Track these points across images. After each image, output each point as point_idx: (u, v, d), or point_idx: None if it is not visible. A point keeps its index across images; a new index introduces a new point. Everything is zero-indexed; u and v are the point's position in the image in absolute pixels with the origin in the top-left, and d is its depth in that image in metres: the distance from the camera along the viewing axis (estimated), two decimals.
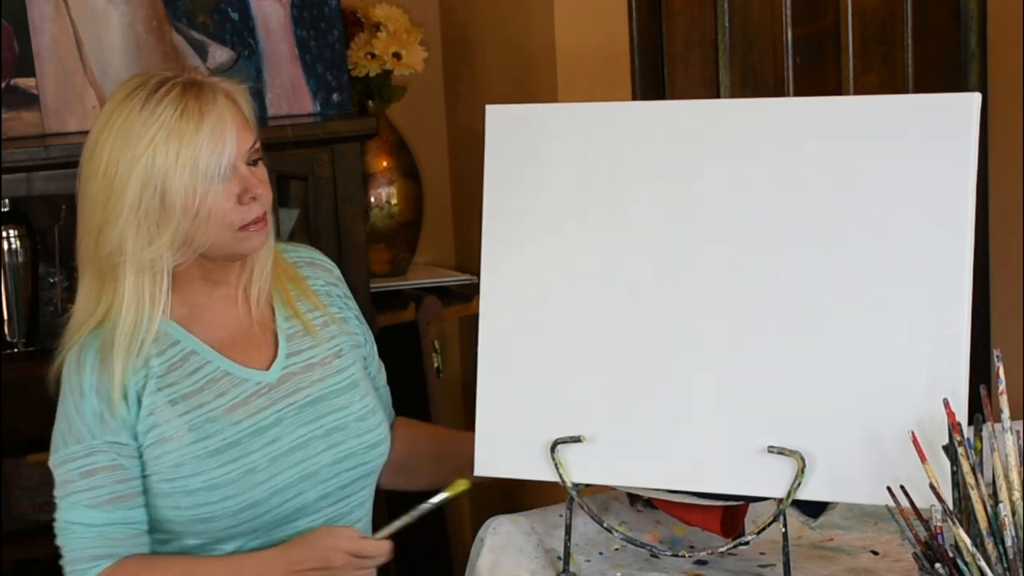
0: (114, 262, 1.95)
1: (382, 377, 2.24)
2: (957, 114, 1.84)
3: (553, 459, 1.99)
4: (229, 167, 1.92)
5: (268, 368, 2.03)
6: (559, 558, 2.04)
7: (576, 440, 1.98)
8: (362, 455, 2.06)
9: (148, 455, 1.97)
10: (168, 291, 1.96)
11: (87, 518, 1.95)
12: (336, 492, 2.05)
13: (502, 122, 2.05)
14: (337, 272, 2.19)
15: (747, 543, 1.95)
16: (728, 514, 2.02)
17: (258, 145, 1.97)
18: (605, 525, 2.00)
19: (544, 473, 2.00)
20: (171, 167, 1.90)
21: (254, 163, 1.97)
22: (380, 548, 1.96)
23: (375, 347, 2.22)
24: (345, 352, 2.11)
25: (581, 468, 1.98)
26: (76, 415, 1.96)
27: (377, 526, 2.08)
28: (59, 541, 1.98)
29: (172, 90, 1.92)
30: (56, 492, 1.98)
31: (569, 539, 2.02)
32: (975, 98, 1.85)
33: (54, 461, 1.98)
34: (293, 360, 2.05)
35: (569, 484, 1.99)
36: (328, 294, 2.14)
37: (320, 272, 2.16)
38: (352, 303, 2.18)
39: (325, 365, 2.07)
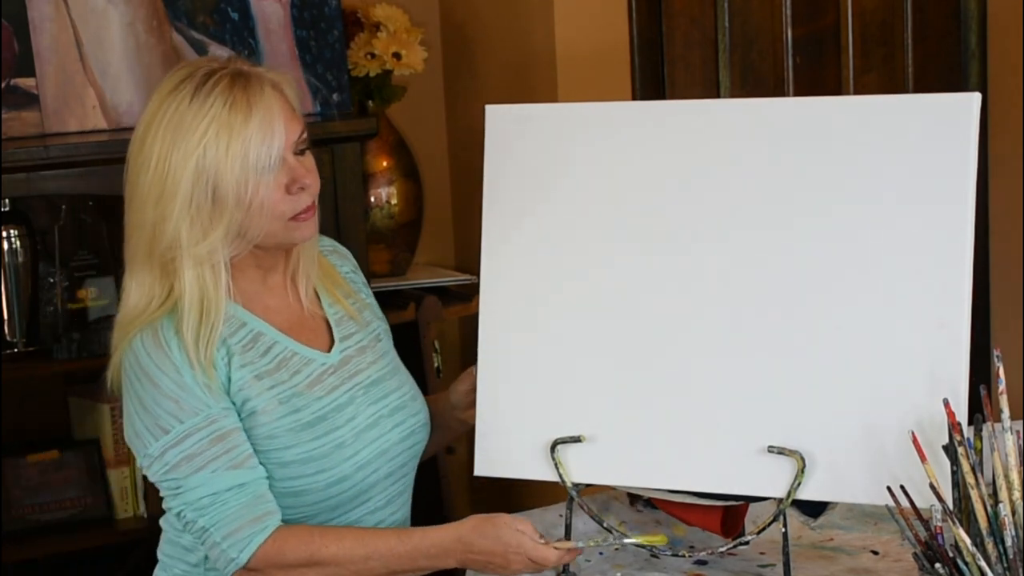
0: (171, 255, 1.93)
1: None
2: (957, 114, 1.84)
3: (553, 459, 1.99)
4: (279, 158, 1.92)
5: (329, 350, 2.05)
6: None
7: (576, 440, 1.98)
8: (420, 433, 2.09)
9: (244, 425, 1.95)
10: (228, 282, 1.95)
11: (235, 479, 1.91)
12: (398, 471, 2.07)
13: (501, 122, 2.06)
14: (354, 260, 2.21)
15: (747, 543, 1.95)
16: (728, 514, 2.02)
17: (305, 135, 1.97)
18: (605, 525, 2.00)
19: (544, 473, 2.00)
20: (222, 160, 1.89)
21: (301, 152, 1.97)
22: (560, 558, 1.90)
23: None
24: (383, 337, 2.14)
25: (581, 468, 1.98)
26: (181, 391, 1.91)
27: None
28: (202, 522, 1.91)
29: (220, 82, 1.91)
30: (175, 474, 1.91)
31: (569, 538, 2.02)
32: (975, 98, 1.85)
33: (164, 444, 1.91)
34: (347, 343, 2.07)
35: (569, 484, 1.99)
36: (353, 281, 2.17)
37: (344, 260, 2.19)
38: (370, 291, 2.20)
39: (372, 348, 2.10)
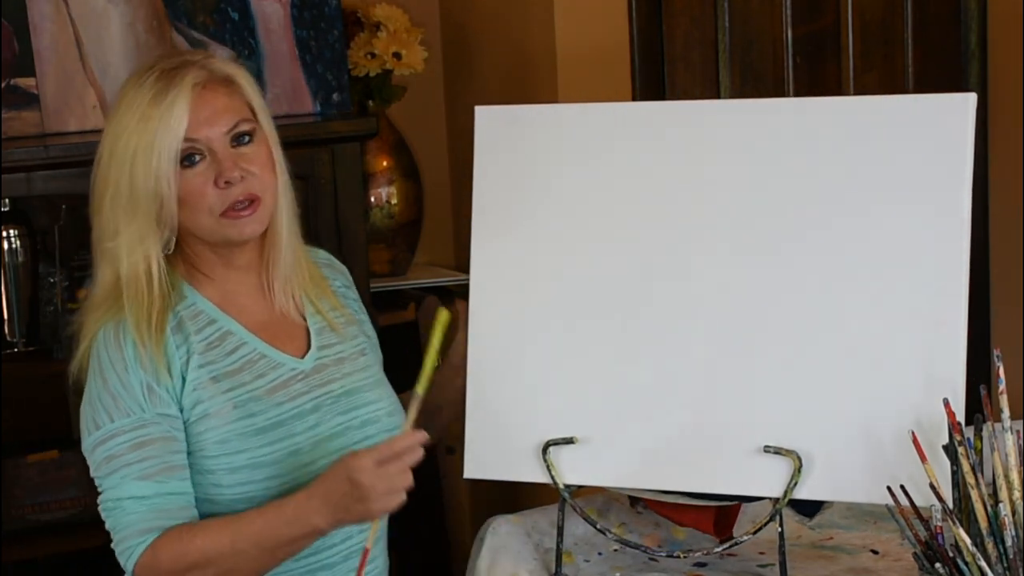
0: (108, 247, 1.96)
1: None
2: (953, 114, 1.84)
3: (545, 461, 1.98)
4: (180, 150, 1.90)
5: (303, 356, 2.02)
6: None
7: (568, 441, 1.98)
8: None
9: (192, 431, 1.94)
10: (161, 271, 1.95)
11: (138, 490, 1.91)
12: None
13: (492, 123, 2.06)
14: (349, 276, 2.20)
15: (739, 543, 1.94)
16: (721, 514, 2.01)
17: (245, 127, 1.95)
18: (599, 527, 2.00)
19: (536, 475, 2.00)
20: (138, 152, 1.91)
21: (242, 144, 1.95)
22: (407, 440, 1.85)
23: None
24: (368, 352, 2.11)
25: (573, 469, 1.98)
26: (123, 389, 1.93)
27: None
28: (108, 523, 1.93)
29: (151, 76, 1.93)
30: (97, 472, 1.93)
31: (561, 540, 2.02)
32: (970, 98, 1.85)
33: (94, 439, 1.93)
34: (325, 352, 2.04)
35: (561, 486, 1.98)
36: (345, 296, 2.15)
37: (337, 275, 2.17)
38: (362, 307, 2.18)
39: (353, 361, 2.07)
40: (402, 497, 1.84)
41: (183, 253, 2.00)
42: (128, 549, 1.90)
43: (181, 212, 1.94)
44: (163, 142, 1.91)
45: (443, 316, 1.89)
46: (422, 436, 1.84)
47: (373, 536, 1.89)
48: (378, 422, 2.05)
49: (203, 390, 1.95)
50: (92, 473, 1.95)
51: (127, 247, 1.94)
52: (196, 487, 1.95)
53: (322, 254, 2.18)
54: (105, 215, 1.95)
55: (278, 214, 2.00)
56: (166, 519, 1.91)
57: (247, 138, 1.96)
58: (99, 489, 1.94)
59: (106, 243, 1.95)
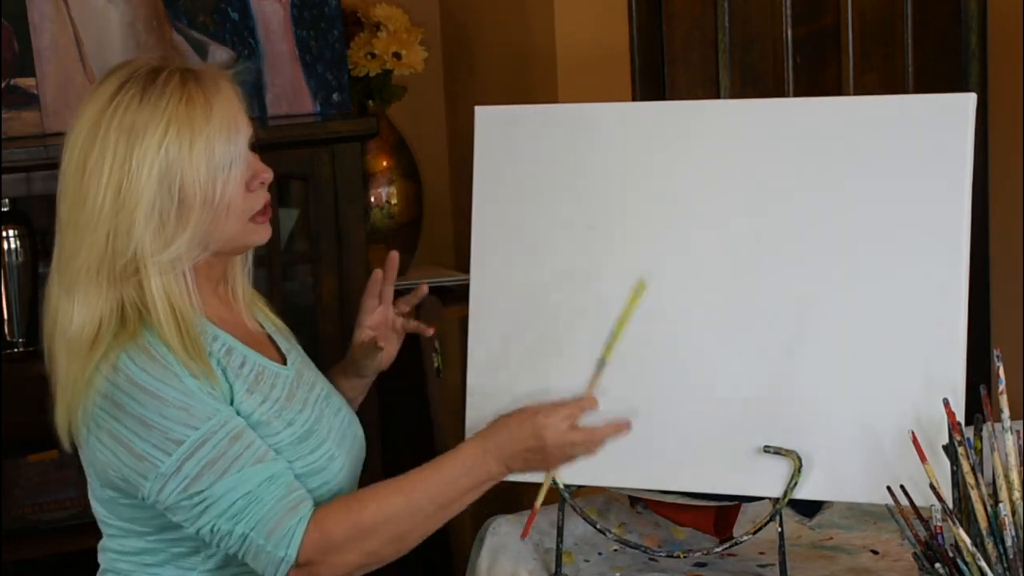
0: (133, 267, 1.80)
1: None
2: (953, 114, 1.84)
3: None
4: (242, 154, 1.83)
5: (285, 364, 1.97)
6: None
7: None
8: (364, 446, 2.04)
9: None
10: (193, 289, 1.83)
11: (264, 472, 1.79)
12: (355, 484, 2.00)
13: (491, 123, 2.05)
14: None
15: (739, 543, 1.94)
16: (721, 514, 2.01)
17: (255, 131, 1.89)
18: (599, 527, 1.99)
19: (535, 475, 1.99)
20: (186, 161, 1.78)
21: (253, 150, 1.88)
22: (591, 404, 1.89)
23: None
24: (304, 353, 2.07)
25: (573, 470, 1.97)
26: (188, 398, 1.78)
27: None
28: (240, 528, 1.79)
29: (171, 79, 1.80)
30: (196, 486, 1.78)
31: (561, 540, 2.02)
32: (970, 98, 1.85)
33: (179, 456, 1.77)
34: (292, 357, 2.01)
35: (561, 486, 1.98)
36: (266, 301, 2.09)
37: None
38: None
39: (309, 365, 2.04)
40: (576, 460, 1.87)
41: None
42: (287, 534, 1.78)
43: (220, 219, 1.83)
44: (226, 147, 1.81)
45: (640, 285, 1.93)
46: (593, 402, 1.88)
47: (542, 496, 1.93)
48: (353, 423, 2.03)
49: (247, 402, 1.85)
50: (184, 495, 1.78)
51: (159, 267, 1.80)
52: None
53: None
54: (131, 236, 1.78)
55: None
56: (298, 490, 1.81)
57: (254, 144, 1.89)
58: (204, 506, 1.78)
59: (132, 264, 1.79)
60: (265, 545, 1.79)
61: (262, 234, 1.89)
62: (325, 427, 1.95)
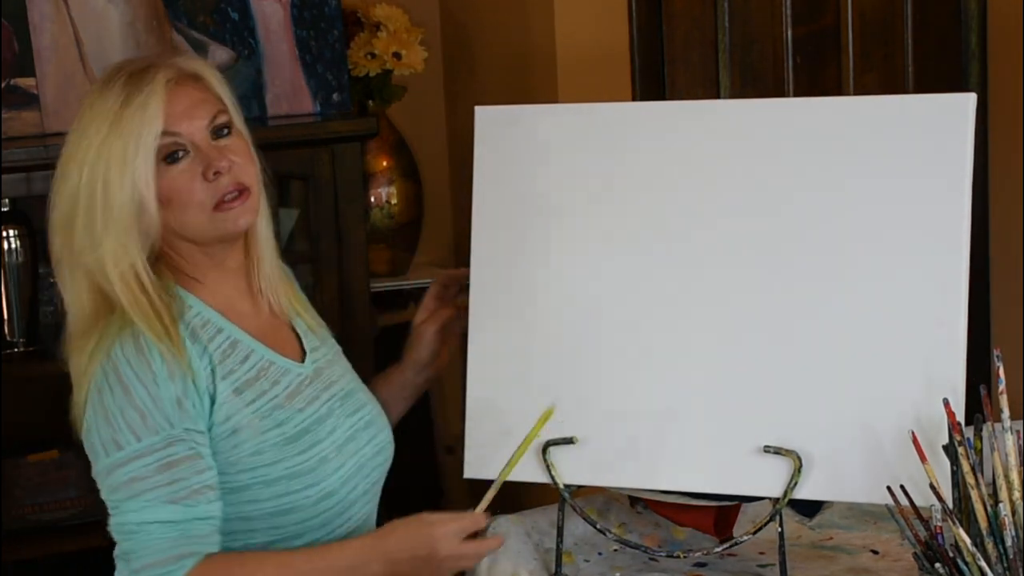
0: (86, 261, 1.86)
1: None
2: (953, 114, 1.84)
3: (545, 461, 1.98)
4: (160, 147, 1.83)
5: (302, 361, 1.99)
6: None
7: (568, 441, 1.98)
8: (387, 450, 2.05)
9: (224, 446, 1.87)
10: (151, 280, 1.85)
11: (168, 515, 1.81)
12: (371, 488, 2.02)
13: (491, 123, 2.05)
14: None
15: (739, 543, 1.94)
16: (721, 514, 2.01)
17: (224, 119, 1.89)
18: (599, 527, 1.99)
19: (535, 475, 2.00)
20: (112, 157, 1.83)
21: (222, 136, 1.89)
22: (482, 521, 1.89)
23: None
24: (340, 353, 2.09)
25: (573, 470, 1.97)
26: (152, 404, 1.81)
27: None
28: (126, 546, 1.83)
29: (118, 81, 1.86)
30: (115, 495, 1.83)
31: (561, 540, 2.02)
32: (970, 98, 1.85)
33: (114, 461, 1.82)
34: (317, 355, 2.01)
35: (561, 486, 1.98)
36: (306, 299, 2.11)
37: (294, 277, 2.12)
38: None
39: (339, 363, 2.06)
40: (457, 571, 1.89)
41: (169, 261, 1.92)
42: (163, 574, 1.81)
43: (167, 214, 1.86)
44: (140, 141, 1.83)
45: (547, 413, 1.96)
46: (484, 520, 1.89)
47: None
48: (375, 423, 2.04)
49: (230, 404, 1.87)
50: (106, 495, 1.85)
51: (112, 259, 1.84)
52: (230, 506, 1.87)
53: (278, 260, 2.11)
54: (78, 231, 1.85)
55: (263, 208, 1.95)
56: (197, 545, 1.82)
57: (226, 130, 1.90)
58: (113, 511, 1.84)
59: (84, 258, 1.85)
60: (139, 572, 1.82)
61: (234, 221, 1.89)
62: (327, 428, 1.95)
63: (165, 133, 1.84)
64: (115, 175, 1.83)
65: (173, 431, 1.82)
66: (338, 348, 2.09)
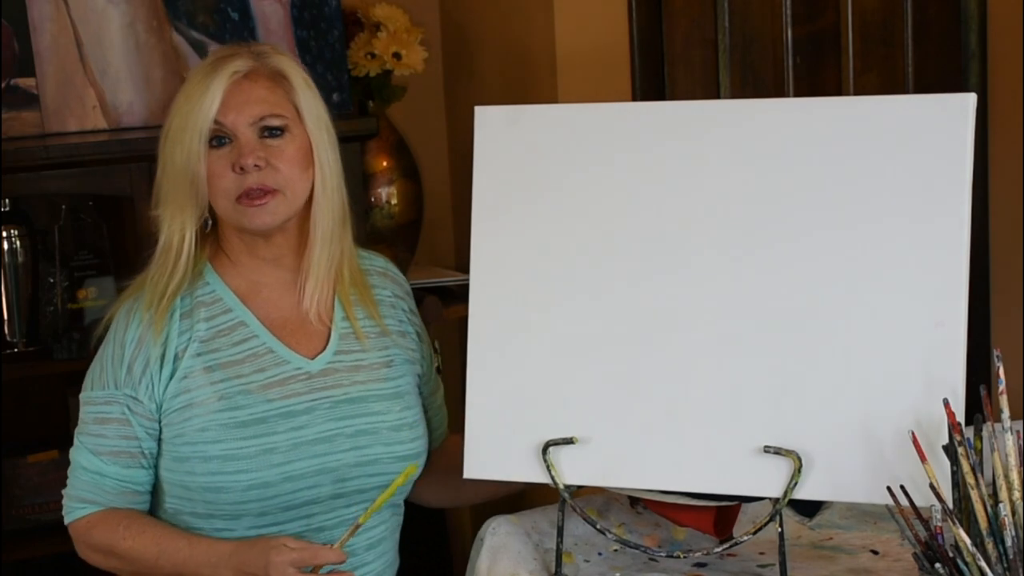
0: (156, 214, 2.04)
1: (438, 398, 2.25)
2: (953, 113, 1.84)
3: (545, 461, 1.98)
4: (208, 130, 1.98)
5: (314, 358, 2.05)
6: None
7: (568, 442, 1.98)
8: (387, 464, 2.06)
9: (176, 418, 2.00)
10: (190, 251, 2.02)
11: (87, 462, 2.03)
12: (353, 495, 2.05)
13: (491, 123, 2.05)
14: (407, 287, 2.22)
15: (739, 543, 1.94)
16: (721, 514, 2.01)
17: (279, 122, 2.01)
18: (599, 527, 1.99)
19: (536, 475, 2.00)
20: (179, 129, 1.99)
21: (270, 136, 2.00)
22: (328, 556, 1.91)
23: (435, 368, 2.24)
24: (397, 364, 2.12)
25: (573, 470, 1.97)
26: (110, 362, 2.02)
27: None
28: (68, 471, 2.06)
29: (208, 61, 2.04)
30: (77, 428, 2.06)
31: (561, 541, 2.01)
32: (970, 98, 1.85)
33: (81, 398, 2.06)
34: (341, 358, 2.06)
35: (561, 486, 1.98)
36: (393, 306, 2.16)
37: (390, 284, 2.18)
38: (417, 320, 2.21)
39: (373, 370, 2.08)
40: None
41: (219, 236, 2.06)
42: (70, 508, 2.05)
43: (209, 192, 2.00)
44: (196, 122, 1.98)
45: (410, 470, 2.00)
46: (341, 558, 1.92)
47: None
48: (375, 434, 2.05)
49: (192, 379, 1.99)
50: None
51: (169, 217, 2.02)
52: (171, 472, 2.01)
53: (379, 261, 2.20)
54: (159, 185, 2.03)
55: (317, 215, 2.03)
56: (103, 497, 2.03)
57: (278, 132, 2.01)
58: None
59: (157, 210, 2.03)
60: (64, 495, 2.06)
61: (250, 217, 2.00)
62: (294, 424, 2.00)
63: (215, 120, 1.99)
64: (179, 145, 1.99)
65: (115, 392, 2.01)
66: (392, 358, 2.11)
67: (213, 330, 2.02)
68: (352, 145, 2.79)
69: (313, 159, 2.03)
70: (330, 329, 2.08)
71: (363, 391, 2.06)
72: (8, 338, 2.80)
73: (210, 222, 2.04)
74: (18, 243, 2.80)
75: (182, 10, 2.84)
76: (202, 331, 2.01)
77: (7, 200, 2.78)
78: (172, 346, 2.00)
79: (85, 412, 2.05)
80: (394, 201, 3.12)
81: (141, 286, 2.04)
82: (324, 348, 2.06)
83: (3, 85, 2.74)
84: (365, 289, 2.12)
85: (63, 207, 2.87)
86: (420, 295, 3.08)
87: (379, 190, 3.11)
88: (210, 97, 1.98)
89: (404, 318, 2.17)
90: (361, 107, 3.08)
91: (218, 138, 2.00)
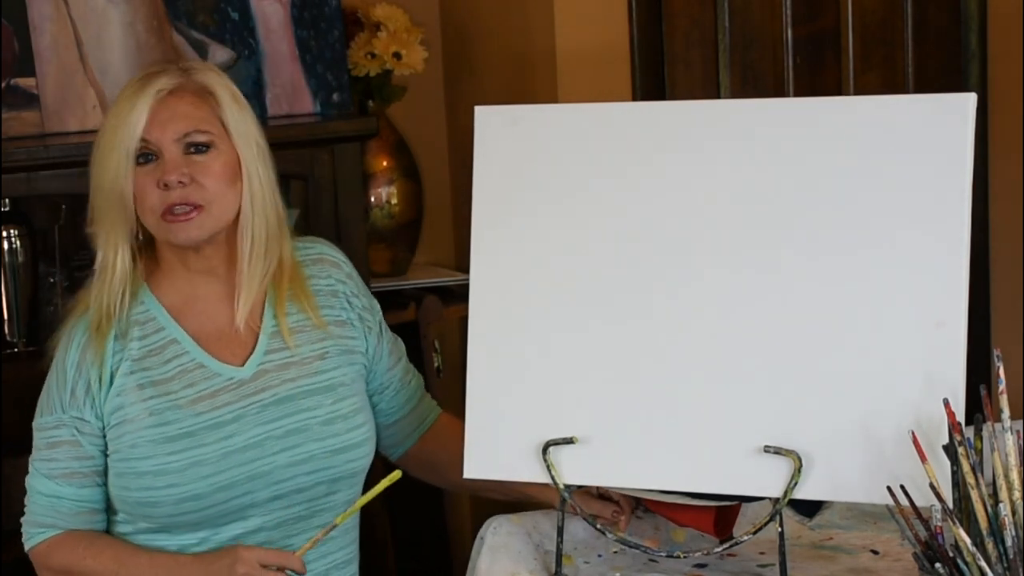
0: (91, 232, 2.06)
1: (399, 371, 2.24)
2: (953, 113, 1.84)
3: (545, 461, 1.98)
4: (135, 149, 1.99)
5: (244, 364, 2.06)
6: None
7: (569, 441, 1.98)
8: (322, 460, 2.06)
9: (111, 435, 2.03)
10: (125, 267, 2.03)
11: (43, 487, 2.07)
12: (292, 495, 2.05)
13: (492, 123, 2.05)
14: (348, 268, 2.18)
15: (739, 543, 1.94)
16: (721, 514, 2.01)
17: (204, 138, 2.01)
18: (599, 527, 1.99)
19: (536, 475, 1.99)
20: (106, 148, 2.01)
21: (196, 152, 2.01)
22: (292, 562, 1.95)
23: (391, 345, 2.23)
24: (332, 355, 2.11)
25: (574, 470, 1.97)
26: (55, 387, 2.06)
27: (371, 530, 2.08)
28: (25, 499, 2.10)
29: (135, 79, 2.05)
30: (31, 455, 2.10)
31: (561, 541, 2.01)
32: (970, 98, 1.85)
33: (33, 426, 2.10)
34: (270, 357, 2.06)
35: (561, 486, 1.98)
36: (333, 294, 2.13)
37: (328, 269, 2.15)
38: (359, 302, 2.17)
39: (304, 365, 2.08)
40: None
41: (152, 253, 2.08)
42: (29, 534, 2.09)
43: (137, 209, 2.02)
44: (123, 139, 2.00)
45: (395, 475, 1.96)
46: (302, 569, 1.95)
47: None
48: (306, 431, 2.05)
49: (125, 396, 2.02)
50: None
51: (103, 236, 2.03)
52: (113, 488, 2.05)
53: (314, 249, 2.17)
54: (92, 203, 2.04)
55: (245, 230, 2.04)
56: (61, 520, 2.06)
57: (204, 148, 2.01)
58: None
59: (92, 228, 2.05)
60: (23, 522, 2.10)
61: (175, 233, 2.01)
62: (221, 434, 2.02)
63: (141, 137, 2.00)
64: (106, 164, 2.01)
65: (63, 416, 2.05)
66: (327, 350, 2.10)
67: (145, 349, 2.04)
68: (352, 145, 2.79)
69: (242, 174, 2.03)
70: (258, 332, 2.08)
71: (293, 389, 2.06)
72: (8, 338, 2.80)
73: (141, 237, 2.06)
74: (18, 243, 2.80)
75: (182, 10, 2.84)
76: (135, 351, 2.03)
77: (7, 200, 2.78)
78: (108, 366, 2.03)
79: (38, 439, 2.08)
80: (394, 201, 3.12)
81: (85, 306, 2.06)
82: (253, 351, 2.06)
83: (3, 85, 2.74)
84: (300, 281, 2.11)
85: (63, 207, 2.87)
86: (420, 295, 3.09)
87: (379, 190, 3.11)
88: (136, 114, 2.00)
89: (344, 304, 2.14)
90: (361, 107, 3.08)
91: (145, 155, 2.01)
